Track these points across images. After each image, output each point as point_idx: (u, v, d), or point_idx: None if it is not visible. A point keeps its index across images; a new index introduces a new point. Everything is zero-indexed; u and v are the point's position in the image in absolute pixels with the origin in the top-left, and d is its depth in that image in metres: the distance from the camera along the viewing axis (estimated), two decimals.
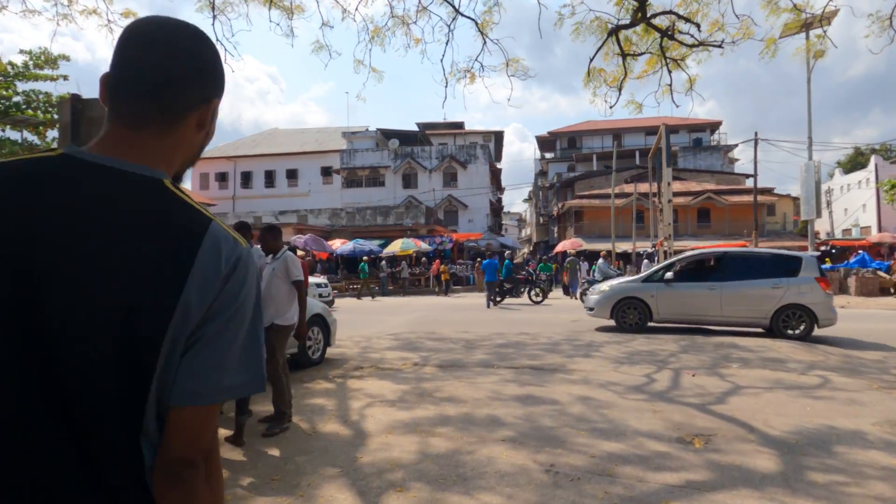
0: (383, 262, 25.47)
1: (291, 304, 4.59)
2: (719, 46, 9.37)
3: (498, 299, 17.65)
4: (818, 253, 17.89)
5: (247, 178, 50.45)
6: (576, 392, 5.70)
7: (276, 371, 4.50)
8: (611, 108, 11.67)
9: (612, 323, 11.07)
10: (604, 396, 5.53)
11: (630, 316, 10.57)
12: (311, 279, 17.80)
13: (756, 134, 31.05)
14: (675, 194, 26.63)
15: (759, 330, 10.09)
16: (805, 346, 8.59)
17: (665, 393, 5.67)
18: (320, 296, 17.20)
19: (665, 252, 21.41)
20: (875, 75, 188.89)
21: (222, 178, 50.82)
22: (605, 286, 11.40)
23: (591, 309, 11.19)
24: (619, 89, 11.46)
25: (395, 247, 27.30)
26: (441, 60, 11.75)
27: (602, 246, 35.75)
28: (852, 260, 23.70)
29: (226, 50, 10.90)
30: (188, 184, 51.90)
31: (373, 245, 26.76)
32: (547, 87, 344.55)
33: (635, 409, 5.06)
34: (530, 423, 4.67)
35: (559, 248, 36.84)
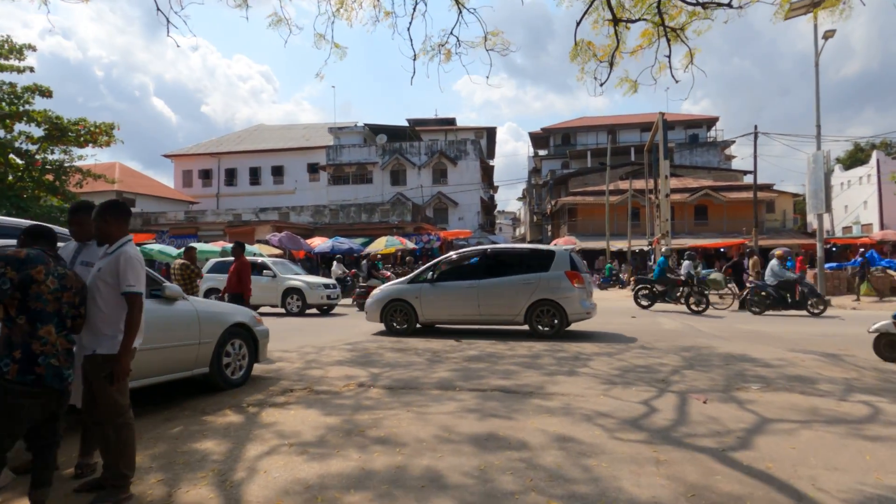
0: (363, 262, 24.03)
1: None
2: (727, 6, 8.03)
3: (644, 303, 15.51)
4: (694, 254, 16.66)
5: (231, 176, 48.95)
6: (553, 428, 4.34)
7: (111, 419, 3.07)
8: (601, 85, 10.29)
9: (605, 330, 9.74)
10: (589, 436, 4.16)
11: (398, 319, 10.15)
12: (316, 279, 15.93)
13: (756, 127, 29.84)
14: (673, 191, 25.38)
15: (521, 327, 9.95)
16: (831, 359, 7.26)
17: (670, 430, 4.31)
18: (329, 297, 15.50)
19: (662, 250, 20.12)
20: (869, 74, 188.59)
21: (206, 175, 49.30)
22: (378, 290, 11.02)
23: (366, 312, 10.80)
24: (611, 64, 10.11)
25: (379, 245, 25.93)
26: (408, 29, 10.30)
27: (597, 244, 34.48)
28: (860, 258, 22.40)
29: (168, 22, 9.50)
30: (171, 181, 50.35)
31: (353, 243, 25.37)
32: (541, 86, 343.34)
33: (631, 458, 3.69)
34: (483, 484, 3.30)
35: (552, 246, 35.47)
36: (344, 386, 5.94)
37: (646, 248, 30.95)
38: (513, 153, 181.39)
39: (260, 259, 16.67)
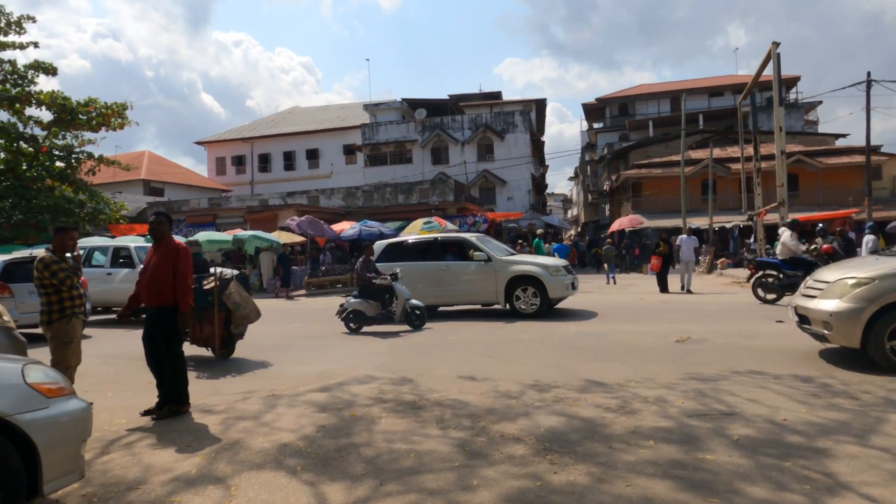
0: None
1: None
2: None
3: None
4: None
5: (265, 161, 46.27)
6: None
7: None
8: None
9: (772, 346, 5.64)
10: None
11: None
12: (554, 261, 11.04)
13: (869, 74, 24.40)
14: (762, 158, 20.71)
15: None
16: None
17: None
18: (572, 286, 10.63)
19: (780, 225, 15.59)
20: None
21: (239, 161, 46.81)
22: None
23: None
24: None
25: (415, 228, 22.19)
26: None
27: (668, 222, 29.69)
28: None
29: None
30: (204, 170, 48.18)
31: (385, 227, 21.75)
32: (584, 63, 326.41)
33: None
34: None
35: (615, 226, 30.95)
36: None
37: (741, 224, 26.34)
38: (558, 135, 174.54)
39: (463, 236, 12.16)
